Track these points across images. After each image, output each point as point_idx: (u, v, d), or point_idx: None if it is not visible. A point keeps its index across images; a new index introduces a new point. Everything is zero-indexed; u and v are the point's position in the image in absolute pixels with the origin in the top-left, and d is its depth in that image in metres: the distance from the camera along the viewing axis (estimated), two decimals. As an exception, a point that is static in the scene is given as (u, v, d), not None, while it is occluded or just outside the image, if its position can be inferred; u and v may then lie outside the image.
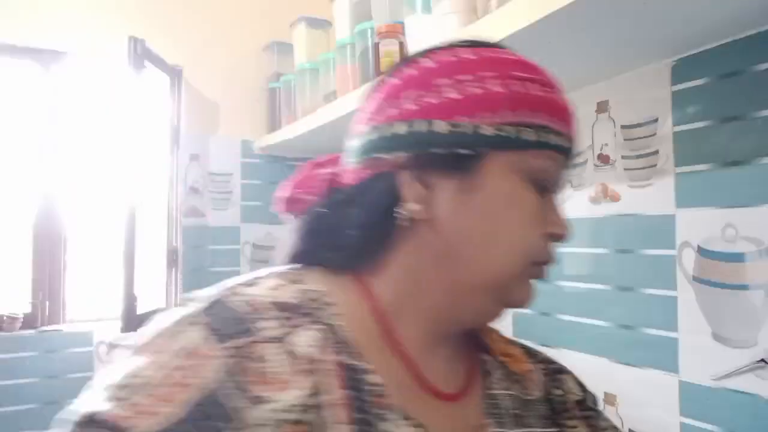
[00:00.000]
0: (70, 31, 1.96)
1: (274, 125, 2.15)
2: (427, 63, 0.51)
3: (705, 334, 1.06)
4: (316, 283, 0.51)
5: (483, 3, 1.08)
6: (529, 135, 0.49)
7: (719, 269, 1.04)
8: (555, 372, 0.65)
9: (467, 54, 0.51)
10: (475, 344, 0.60)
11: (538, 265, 0.54)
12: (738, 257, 1.01)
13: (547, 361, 0.68)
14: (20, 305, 1.91)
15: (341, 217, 0.52)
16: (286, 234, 0.59)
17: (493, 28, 0.97)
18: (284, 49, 2.15)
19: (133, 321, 1.76)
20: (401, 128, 0.49)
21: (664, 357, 1.13)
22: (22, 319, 1.86)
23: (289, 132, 1.95)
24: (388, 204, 0.50)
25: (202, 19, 2.18)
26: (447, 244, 0.50)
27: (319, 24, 1.99)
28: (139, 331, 0.49)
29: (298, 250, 0.55)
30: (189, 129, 2.14)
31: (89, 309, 2.04)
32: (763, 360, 0.97)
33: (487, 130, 0.48)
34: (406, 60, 0.54)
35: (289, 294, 0.48)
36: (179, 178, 2.10)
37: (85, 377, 1.91)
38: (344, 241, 0.52)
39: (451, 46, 0.52)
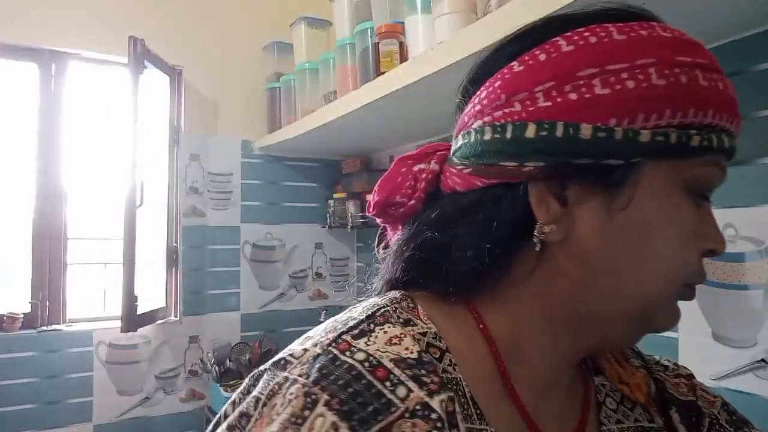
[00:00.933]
0: (70, 31, 1.96)
1: (274, 125, 2.15)
2: (564, 45, 0.39)
3: (705, 334, 1.06)
4: (428, 320, 0.42)
5: (483, 3, 1.08)
6: (696, 139, 0.39)
7: (719, 269, 1.04)
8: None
9: (616, 33, 0.39)
10: (587, 366, 0.52)
11: (690, 286, 0.43)
12: (738, 257, 1.01)
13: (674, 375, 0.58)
14: (20, 305, 1.91)
15: (449, 234, 0.43)
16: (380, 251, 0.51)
17: (493, 28, 0.97)
18: (284, 49, 2.15)
19: (133, 321, 1.76)
20: (533, 131, 0.38)
21: (664, 357, 1.13)
22: (22, 319, 1.86)
23: (289, 132, 1.95)
24: (512, 223, 0.41)
25: (202, 19, 2.18)
26: (586, 271, 0.41)
27: (319, 24, 1.99)
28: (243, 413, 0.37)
29: (398, 274, 0.45)
30: (189, 129, 2.14)
31: (89, 309, 2.05)
32: (762, 360, 0.97)
33: (645, 136, 0.38)
34: (535, 32, 0.43)
35: (408, 344, 0.39)
36: (179, 178, 2.10)
37: (85, 377, 1.93)
38: (454, 265, 0.42)
39: (592, 16, 0.41)
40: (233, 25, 2.24)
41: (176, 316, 2.08)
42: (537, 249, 0.41)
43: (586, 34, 0.39)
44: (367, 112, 1.48)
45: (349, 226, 2.12)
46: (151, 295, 1.96)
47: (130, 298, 1.74)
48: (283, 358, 0.39)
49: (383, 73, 1.36)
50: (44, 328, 1.90)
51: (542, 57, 0.40)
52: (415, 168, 0.46)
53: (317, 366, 0.36)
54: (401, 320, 0.41)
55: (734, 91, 0.42)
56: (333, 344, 0.38)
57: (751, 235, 0.99)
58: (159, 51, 1.94)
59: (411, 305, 0.43)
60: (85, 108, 2.05)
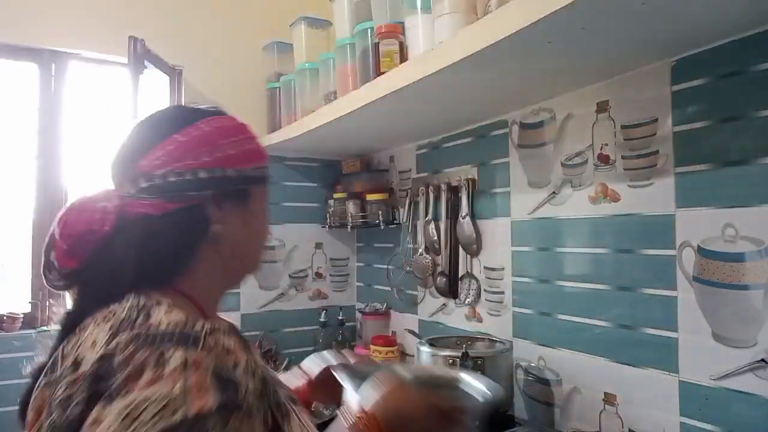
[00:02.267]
0: (70, 31, 1.96)
1: (274, 125, 2.15)
2: (204, 127, 0.70)
3: (705, 334, 1.06)
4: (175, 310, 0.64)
5: (483, 3, 1.08)
6: (265, 172, 0.76)
7: (719, 269, 1.04)
8: None
9: (226, 122, 0.73)
10: None
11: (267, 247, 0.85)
12: (738, 257, 1.01)
13: None
14: (20, 305, 1.91)
15: (147, 243, 0.65)
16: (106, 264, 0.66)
17: (493, 28, 0.97)
18: (284, 49, 2.15)
19: (133, 321, 1.76)
20: (204, 173, 0.67)
21: (664, 357, 1.13)
22: (22, 319, 1.86)
23: (289, 132, 1.95)
24: (201, 227, 0.69)
25: (202, 19, 2.18)
26: (233, 248, 0.72)
27: (319, 24, 1.99)
28: None
29: (128, 277, 0.64)
30: (189, 129, 2.14)
31: (89, 309, 2.04)
32: (763, 360, 0.97)
33: (255, 173, 0.74)
34: (181, 119, 0.71)
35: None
36: (179, 178, 2.10)
37: (85, 377, 1.92)
38: (161, 260, 0.67)
39: (208, 115, 0.72)
40: (233, 25, 2.24)
41: (176, 316, 2.07)
42: (215, 239, 0.70)
43: (208, 121, 0.71)
44: (367, 112, 1.48)
45: (349, 226, 2.12)
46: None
47: (130, 298, 1.73)
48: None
49: (383, 73, 1.36)
50: (44, 328, 1.90)
51: (196, 133, 0.69)
52: (98, 206, 0.66)
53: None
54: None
55: (257, 141, 0.76)
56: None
57: (751, 235, 0.99)
58: (159, 51, 1.93)
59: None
60: (85, 108, 2.05)
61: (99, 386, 0.52)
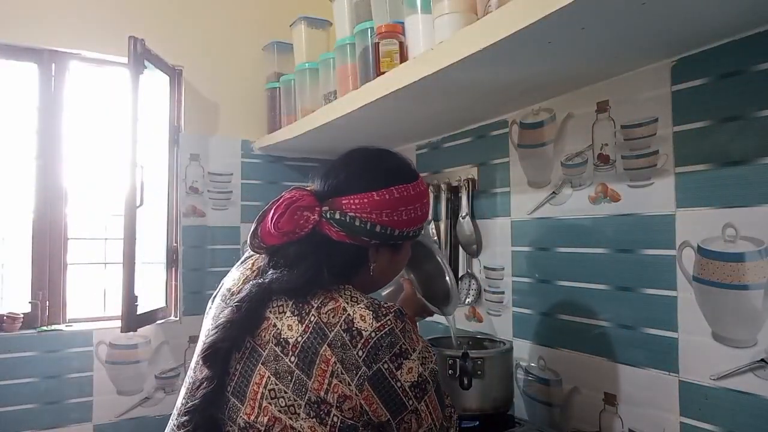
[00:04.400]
0: (70, 31, 1.96)
1: (274, 125, 2.15)
2: (394, 192, 0.91)
3: (705, 334, 1.06)
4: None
5: (483, 3, 1.08)
6: (419, 232, 0.99)
7: (719, 269, 1.04)
8: None
9: (409, 190, 0.93)
10: None
11: None
12: (738, 257, 1.01)
13: None
14: (20, 305, 1.91)
15: (323, 257, 0.89)
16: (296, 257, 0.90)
17: (493, 28, 0.97)
18: (284, 49, 2.15)
19: (133, 321, 1.76)
20: (378, 228, 0.90)
21: (664, 357, 1.13)
22: (22, 319, 1.86)
23: (289, 132, 1.95)
24: (361, 261, 0.93)
25: (202, 19, 2.18)
26: (377, 277, 0.97)
27: (319, 24, 1.99)
28: None
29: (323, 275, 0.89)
30: (189, 129, 2.14)
31: (89, 309, 2.05)
32: (763, 360, 0.97)
33: (412, 233, 0.95)
34: (381, 180, 0.91)
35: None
36: (179, 178, 2.10)
37: (85, 377, 1.93)
38: (330, 271, 0.89)
39: (402, 182, 0.92)
40: (233, 25, 2.24)
41: (176, 316, 2.08)
42: (367, 271, 0.94)
43: (400, 188, 0.92)
44: (367, 112, 1.48)
45: (349, 226, 2.11)
46: (151, 295, 1.96)
47: (130, 298, 1.73)
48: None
49: (383, 73, 1.36)
50: (44, 328, 1.90)
51: (388, 196, 0.90)
52: (305, 213, 0.88)
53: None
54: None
55: (426, 208, 0.97)
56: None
57: (751, 235, 0.99)
58: (159, 51, 1.93)
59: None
60: (85, 108, 2.05)
61: (394, 348, 0.82)
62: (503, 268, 1.58)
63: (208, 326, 0.96)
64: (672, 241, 1.12)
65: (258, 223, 0.92)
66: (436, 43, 1.17)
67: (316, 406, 0.80)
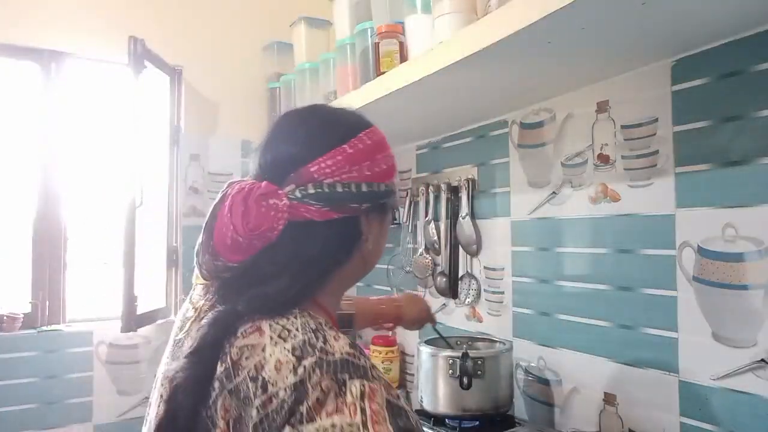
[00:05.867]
0: (70, 31, 1.96)
1: (274, 125, 2.15)
2: (367, 140, 0.72)
3: (705, 334, 1.06)
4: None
5: (483, 3, 1.08)
6: (396, 186, 0.77)
7: (719, 269, 1.04)
8: None
9: (379, 135, 0.75)
10: None
11: None
12: (738, 257, 1.01)
13: None
14: (20, 305, 1.91)
15: (310, 249, 0.68)
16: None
17: (493, 28, 0.97)
18: (284, 49, 2.15)
19: (133, 321, 1.76)
20: (365, 188, 0.69)
21: (664, 357, 1.13)
22: (22, 319, 1.86)
23: (289, 132, 1.94)
24: (353, 236, 0.71)
25: (202, 19, 2.18)
26: (369, 255, 0.75)
27: (319, 24, 1.99)
28: None
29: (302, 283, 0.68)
30: (189, 129, 2.14)
31: (89, 309, 2.05)
32: (763, 360, 0.97)
33: (393, 187, 0.75)
34: (346, 128, 0.73)
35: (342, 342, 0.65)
36: (179, 178, 2.10)
37: (85, 377, 1.93)
38: (317, 272, 0.69)
39: (366, 126, 0.75)
40: (233, 25, 2.24)
41: (176, 316, 2.07)
42: (360, 249, 0.72)
43: (368, 133, 0.73)
44: (367, 112, 1.47)
45: (349, 226, 2.11)
46: (151, 295, 1.96)
47: (130, 298, 1.73)
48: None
49: (383, 73, 1.36)
50: (44, 328, 1.90)
51: (361, 145, 0.70)
52: (270, 202, 0.65)
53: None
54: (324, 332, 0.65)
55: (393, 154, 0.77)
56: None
57: (751, 235, 0.99)
58: (159, 51, 1.93)
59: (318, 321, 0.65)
60: (85, 108, 2.05)
61: (295, 413, 0.55)
62: (503, 268, 1.58)
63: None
64: (672, 241, 1.12)
65: (208, 237, 0.67)
66: (436, 43, 1.17)
67: None
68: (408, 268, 1.91)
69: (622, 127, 1.23)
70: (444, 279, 1.75)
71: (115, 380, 1.97)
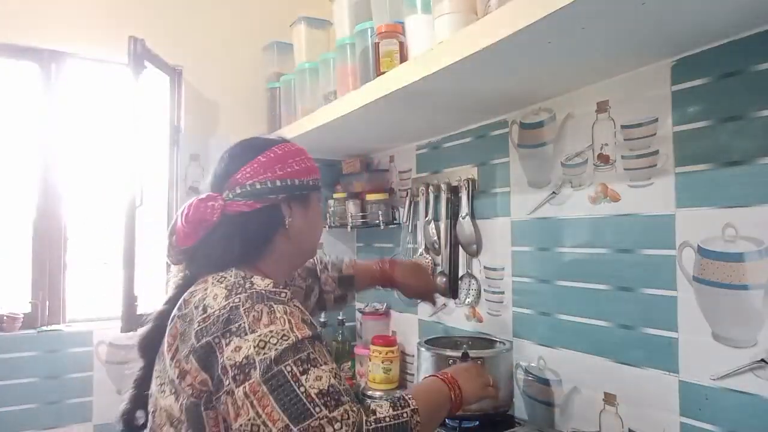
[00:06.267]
0: (70, 31, 1.96)
1: (274, 125, 2.15)
2: (278, 151, 1.00)
3: (705, 334, 1.06)
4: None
5: (483, 3, 1.08)
6: (318, 183, 1.05)
7: (719, 269, 1.04)
8: None
9: (290, 147, 1.02)
10: None
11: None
12: (738, 257, 1.01)
13: None
14: (20, 305, 1.91)
15: (245, 230, 0.95)
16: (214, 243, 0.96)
17: (493, 28, 0.97)
18: (284, 49, 2.15)
19: (133, 321, 1.76)
20: (279, 183, 0.97)
21: (664, 357, 1.13)
22: (22, 319, 1.86)
23: (289, 132, 1.94)
24: (278, 220, 0.98)
25: (202, 19, 2.18)
26: (296, 237, 1.01)
27: (319, 24, 1.99)
28: None
29: (228, 256, 0.94)
30: (189, 129, 2.14)
31: (89, 309, 2.05)
32: (763, 360, 0.97)
33: (311, 183, 1.02)
34: (258, 146, 1.01)
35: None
36: (179, 178, 2.10)
37: (85, 377, 1.93)
38: (249, 245, 0.96)
39: (278, 143, 1.02)
40: (233, 25, 2.24)
41: (176, 316, 2.07)
42: (286, 230, 0.99)
43: (279, 146, 1.01)
44: (367, 112, 1.48)
45: (349, 226, 2.12)
46: (151, 295, 1.96)
47: (130, 298, 1.73)
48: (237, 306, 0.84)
49: (383, 73, 1.36)
50: (44, 328, 1.90)
51: (272, 155, 0.99)
52: (209, 203, 0.94)
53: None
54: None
55: (312, 161, 1.05)
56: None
57: (751, 235, 0.99)
58: (159, 51, 1.93)
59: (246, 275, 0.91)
60: (85, 108, 2.05)
61: (230, 325, 0.80)
62: (503, 268, 1.58)
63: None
64: (672, 241, 1.12)
65: (171, 235, 0.97)
66: (436, 43, 1.17)
67: (172, 383, 0.84)
68: (414, 254, 1.90)
69: (622, 127, 1.23)
70: (444, 279, 1.75)
71: (115, 380, 1.97)
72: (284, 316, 0.82)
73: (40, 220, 1.94)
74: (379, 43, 1.38)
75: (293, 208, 0.99)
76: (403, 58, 1.35)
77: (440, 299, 1.71)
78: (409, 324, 2.02)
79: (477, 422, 1.34)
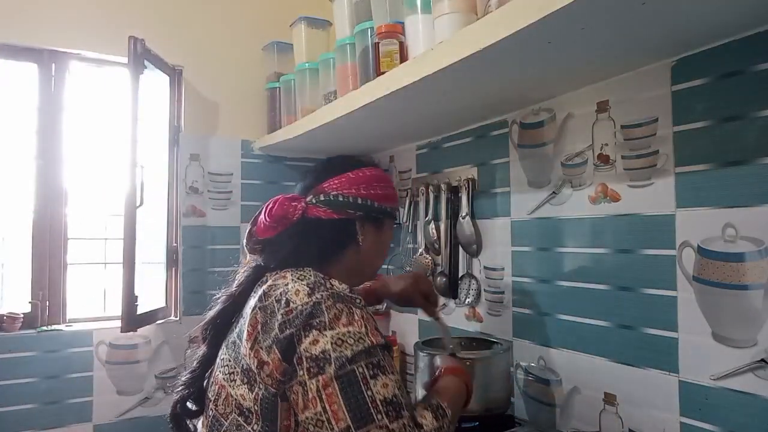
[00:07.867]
0: (70, 31, 1.96)
1: (274, 125, 2.15)
2: (367, 172, 1.05)
3: (705, 334, 1.06)
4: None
5: (483, 3, 1.08)
6: (395, 212, 1.11)
7: (719, 269, 1.04)
8: None
9: (378, 172, 1.08)
10: None
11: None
12: (738, 257, 1.01)
13: None
14: (20, 305, 1.91)
15: (317, 236, 1.01)
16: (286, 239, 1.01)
17: (493, 28, 0.97)
18: (284, 49, 2.15)
19: (133, 321, 1.76)
20: (359, 200, 1.02)
21: (664, 357, 1.13)
22: (22, 319, 1.86)
23: (289, 132, 1.95)
24: (350, 234, 1.04)
25: (202, 19, 2.18)
26: (364, 256, 1.06)
27: (319, 24, 1.99)
28: None
29: (295, 255, 0.99)
30: (189, 129, 2.14)
31: (89, 309, 2.05)
32: (763, 360, 0.97)
33: (388, 209, 1.07)
34: (349, 164, 1.06)
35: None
36: (179, 178, 2.10)
37: (85, 377, 1.93)
38: (322, 250, 1.01)
39: (369, 165, 1.07)
40: (233, 25, 2.24)
41: (176, 316, 2.08)
42: (358, 246, 1.04)
43: (370, 168, 1.06)
44: (367, 112, 1.48)
45: (349, 226, 2.11)
46: (151, 295, 1.96)
47: (130, 298, 1.73)
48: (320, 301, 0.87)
49: (383, 73, 1.36)
50: (44, 328, 1.90)
51: (361, 174, 1.04)
52: (292, 203, 1.00)
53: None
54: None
55: (395, 190, 1.11)
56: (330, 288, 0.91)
57: (751, 235, 0.99)
58: (159, 51, 1.94)
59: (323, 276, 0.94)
60: (85, 108, 2.05)
61: (312, 320, 0.83)
62: (503, 268, 1.58)
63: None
64: (672, 241, 1.12)
65: (252, 225, 1.03)
66: (436, 43, 1.17)
67: (247, 373, 0.87)
68: (408, 268, 1.91)
69: (622, 127, 1.23)
70: (444, 279, 1.75)
71: (115, 380, 1.97)
72: (361, 320, 0.86)
73: (40, 220, 1.94)
74: (379, 43, 1.38)
75: (366, 228, 1.04)
76: (403, 58, 1.35)
77: (441, 300, 1.71)
78: (409, 324, 2.02)
79: (476, 423, 1.34)
